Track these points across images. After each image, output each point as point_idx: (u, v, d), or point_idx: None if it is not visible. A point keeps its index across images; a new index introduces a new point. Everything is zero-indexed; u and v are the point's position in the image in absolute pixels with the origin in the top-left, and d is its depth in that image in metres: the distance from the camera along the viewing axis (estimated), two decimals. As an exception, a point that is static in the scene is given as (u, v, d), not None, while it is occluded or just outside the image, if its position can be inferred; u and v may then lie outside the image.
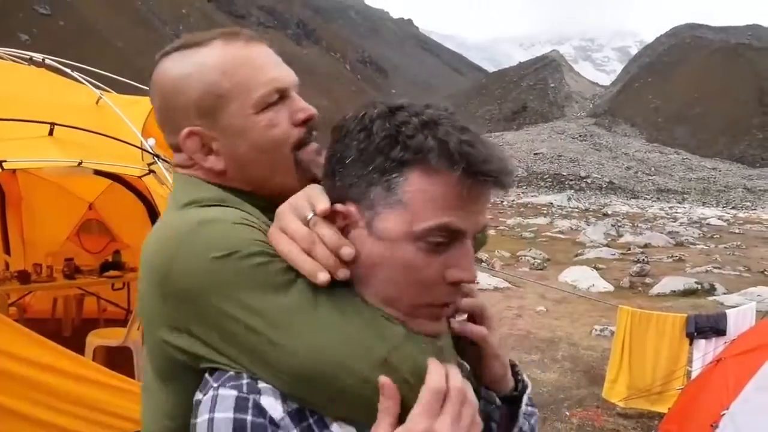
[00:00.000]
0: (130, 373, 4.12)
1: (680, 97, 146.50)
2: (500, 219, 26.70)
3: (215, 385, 0.71)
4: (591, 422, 4.60)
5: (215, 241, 0.73)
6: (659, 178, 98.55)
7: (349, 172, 0.72)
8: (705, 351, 4.56)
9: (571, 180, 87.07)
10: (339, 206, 0.73)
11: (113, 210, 6.98)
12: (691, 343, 4.74)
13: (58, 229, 6.92)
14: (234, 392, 0.69)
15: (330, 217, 0.74)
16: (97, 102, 4.71)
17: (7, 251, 6.64)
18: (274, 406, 0.69)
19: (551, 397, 5.12)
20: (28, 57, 5.08)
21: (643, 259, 13.85)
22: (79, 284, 5.99)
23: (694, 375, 4.39)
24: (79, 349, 4.26)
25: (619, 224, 26.98)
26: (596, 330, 7.31)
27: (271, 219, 0.80)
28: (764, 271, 13.43)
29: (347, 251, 0.72)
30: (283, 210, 0.78)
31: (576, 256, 15.34)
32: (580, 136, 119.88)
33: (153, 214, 4.74)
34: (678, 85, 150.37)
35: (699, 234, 25.07)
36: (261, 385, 0.70)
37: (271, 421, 0.68)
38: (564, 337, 7.11)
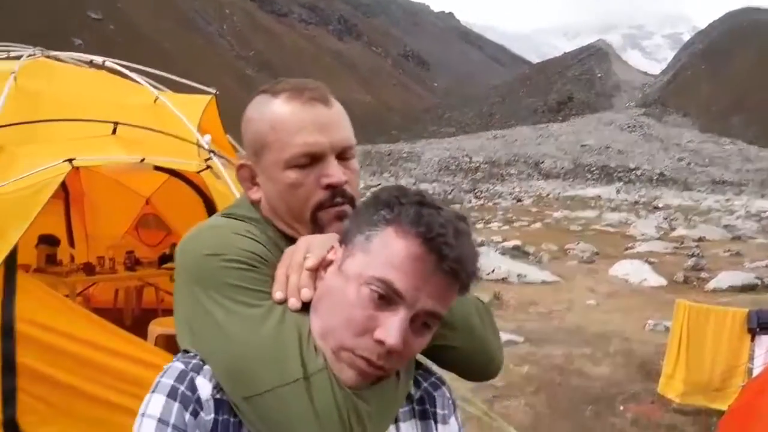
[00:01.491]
0: (190, 360, 4.28)
1: (736, 85, 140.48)
2: (546, 212, 26.30)
3: (175, 358, 0.85)
4: (646, 417, 4.52)
5: (211, 242, 0.89)
6: (714, 169, 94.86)
7: (354, 222, 0.85)
8: (768, 347, 4.41)
9: (620, 172, 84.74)
10: (331, 251, 0.87)
11: (169, 205, 7.23)
12: (752, 339, 4.58)
13: (118, 224, 7.23)
14: (181, 366, 0.83)
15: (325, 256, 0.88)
16: (154, 101, 4.89)
17: (72, 245, 6.99)
18: (204, 387, 0.81)
19: (604, 392, 5.06)
20: (89, 60, 5.30)
21: (698, 253, 13.41)
22: (140, 275, 6.27)
23: (756, 372, 4.25)
24: (141, 337, 4.45)
25: (671, 217, 26.19)
26: (650, 324, 7.14)
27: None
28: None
29: (305, 293, 0.85)
30: (300, 241, 0.92)
31: (626, 249, 14.98)
32: (629, 126, 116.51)
33: (210, 208, 4.89)
34: (733, 72, 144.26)
35: (758, 227, 24.06)
36: (205, 367, 0.83)
37: (198, 399, 0.80)
38: (616, 331, 6.98)
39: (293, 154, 0.94)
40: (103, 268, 6.04)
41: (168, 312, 6.32)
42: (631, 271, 10.88)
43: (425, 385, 0.97)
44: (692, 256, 13.02)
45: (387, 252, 0.78)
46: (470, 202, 32.76)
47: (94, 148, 3.99)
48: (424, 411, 0.95)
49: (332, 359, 0.80)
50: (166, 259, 6.46)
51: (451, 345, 0.95)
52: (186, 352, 0.87)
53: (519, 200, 34.36)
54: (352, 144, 1.00)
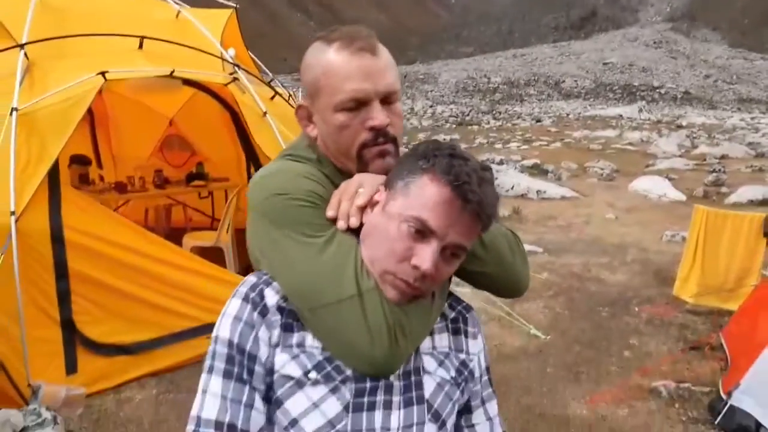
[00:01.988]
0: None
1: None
2: (566, 132, 25.92)
3: (251, 274, 1.04)
4: (660, 317, 4.71)
5: (278, 183, 1.05)
6: (741, 86, 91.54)
7: (396, 170, 1.01)
8: (783, 250, 4.52)
9: (643, 91, 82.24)
10: (377, 193, 1.03)
11: (192, 125, 7.31)
12: (768, 244, 4.69)
13: (143, 145, 7.35)
14: (254, 279, 1.02)
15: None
16: (176, 16, 4.89)
17: (100, 166, 7.17)
18: (271, 296, 1.00)
19: (620, 296, 5.24)
20: (108, -25, 5.26)
21: (720, 169, 13.29)
22: (169, 193, 6.45)
23: (769, 273, 4.38)
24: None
25: (694, 136, 25.68)
26: (667, 236, 7.23)
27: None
28: None
29: (352, 220, 1.01)
30: (354, 177, 1.08)
31: (647, 167, 14.87)
32: (654, 42, 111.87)
33: (237, 122, 4.98)
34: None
35: (783, 144, 23.52)
36: (274, 283, 1.01)
37: (265, 305, 0.99)
38: (634, 242, 7.10)
39: (342, 99, 1.06)
40: (134, 187, 6.21)
41: (196, 228, 6.55)
42: (651, 186, 10.86)
43: (459, 308, 1.14)
44: (713, 171, 12.92)
45: (422, 195, 0.93)
46: (488, 123, 32.27)
47: (123, 61, 4.06)
48: (457, 328, 1.12)
49: (379, 281, 0.97)
50: (193, 177, 6.63)
51: (483, 270, 1.11)
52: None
53: (538, 121, 33.74)
54: (396, 90, 1.10)
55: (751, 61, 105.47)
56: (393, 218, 0.95)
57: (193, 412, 0.96)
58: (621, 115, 40.73)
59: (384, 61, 1.09)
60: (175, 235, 5.59)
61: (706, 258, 4.82)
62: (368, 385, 0.98)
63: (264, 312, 0.98)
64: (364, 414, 0.97)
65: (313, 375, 0.96)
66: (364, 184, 1.05)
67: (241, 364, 0.96)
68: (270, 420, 0.99)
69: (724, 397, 3.31)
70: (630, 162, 15.78)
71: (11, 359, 3.29)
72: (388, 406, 0.99)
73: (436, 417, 1.03)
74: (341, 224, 1.00)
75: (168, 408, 3.44)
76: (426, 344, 1.05)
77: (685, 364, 3.91)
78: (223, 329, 0.98)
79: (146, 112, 7.02)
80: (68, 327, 3.55)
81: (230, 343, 0.97)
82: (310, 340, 0.98)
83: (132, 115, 6.98)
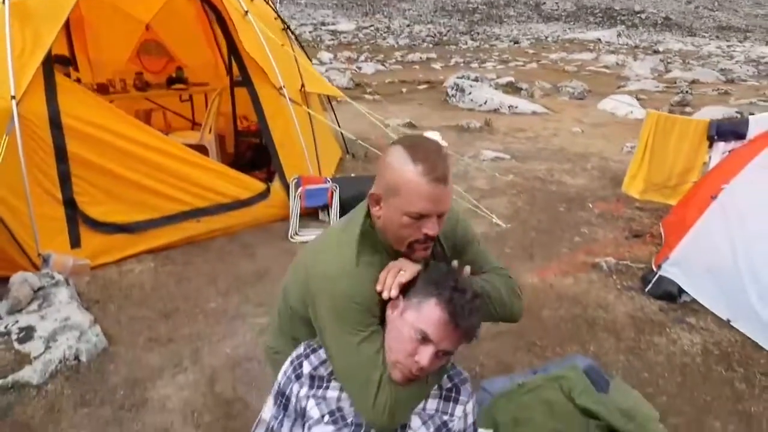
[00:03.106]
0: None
1: None
2: (543, 54, 25.85)
3: (301, 344, 1.60)
4: (611, 212, 5.19)
5: (345, 290, 1.49)
6: (722, 14, 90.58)
7: (415, 288, 1.47)
8: (723, 152, 4.97)
9: (624, 15, 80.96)
10: (398, 299, 1.49)
11: (169, 31, 7.35)
12: (710, 146, 5.14)
13: (120, 50, 7.36)
14: (301, 350, 1.57)
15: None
16: None
17: (76, 69, 7.19)
18: (306, 367, 1.54)
19: (578, 195, 5.70)
20: None
21: (687, 91, 13.67)
22: (151, 95, 6.58)
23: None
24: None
25: (668, 60, 25.86)
26: (627, 147, 7.65)
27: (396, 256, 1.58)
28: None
29: (393, 292, 1.47)
30: (398, 261, 1.54)
31: (618, 88, 15.18)
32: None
33: (218, 25, 5.09)
34: None
35: (753, 72, 23.84)
36: (312, 356, 1.56)
37: (301, 372, 1.53)
38: (596, 152, 7.53)
39: (412, 210, 1.46)
40: (115, 89, 6.33)
41: (176, 130, 6.69)
42: (619, 105, 11.21)
43: (456, 380, 1.59)
44: (680, 93, 13.31)
45: (428, 315, 1.38)
46: (466, 44, 31.86)
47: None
48: (449, 396, 1.56)
49: (390, 365, 1.44)
50: (173, 81, 6.76)
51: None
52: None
53: (516, 42, 33.41)
54: (449, 209, 1.52)
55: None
56: (406, 325, 1.40)
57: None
58: (599, 39, 40.43)
59: (449, 188, 1.49)
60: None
61: (654, 157, 5.27)
62: (363, 430, 1.49)
63: (299, 376, 1.54)
64: None
65: (326, 418, 1.49)
66: (404, 268, 1.51)
67: (280, 396, 1.56)
68: None
69: (654, 269, 3.83)
70: (603, 83, 16.03)
71: (21, 234, 3.61)
72: None
73: None
74: (385, 294, 1.47)
75: (166, 276, 3.84)
76: (418, 407, 1.53)
77: (627, 247, 4.42)
78: (280, 375, 1.58)
79: (122, 17, 7.02)
80: (70, 206, 3.86)
81: (278, 386, 1.57)
82: (330, 395, 1.52)
83: (108, 20, 6.97)
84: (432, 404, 1.54)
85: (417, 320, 1.39)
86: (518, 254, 4.28)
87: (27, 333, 3.04)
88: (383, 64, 19.41)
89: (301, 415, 1.53)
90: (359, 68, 17.60)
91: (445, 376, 1.56)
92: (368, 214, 1.59)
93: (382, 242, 1.58)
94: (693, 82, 18.02)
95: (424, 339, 1.38)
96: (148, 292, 3.65)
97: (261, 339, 3.15)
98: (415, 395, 1.49)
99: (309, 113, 5.19)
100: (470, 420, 1.58)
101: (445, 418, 1.53)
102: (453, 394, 1.56)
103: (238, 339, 3.16)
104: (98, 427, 2.52)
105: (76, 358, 2.92)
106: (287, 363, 1.57)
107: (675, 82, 17.30)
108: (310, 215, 4.68)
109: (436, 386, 1.54)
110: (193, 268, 3.98)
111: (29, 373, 2.78)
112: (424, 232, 1.49)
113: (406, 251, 1.55)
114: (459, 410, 1.55)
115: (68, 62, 6.32)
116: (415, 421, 1.51)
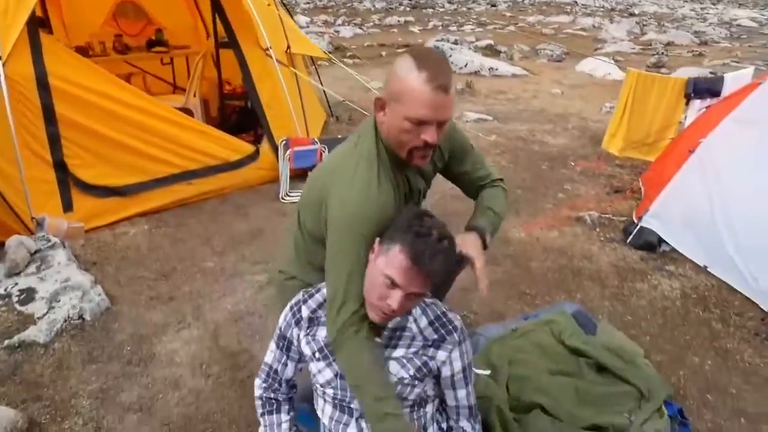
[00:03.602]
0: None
1: None
2: (520, 17, 25.73)
3: (300, 292, 1.70)
4: (592, 170, 5.33)
5: (357, 210, 1.54)
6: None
7: (386, 233, 1.51)
8: (699, 109, 5.12)
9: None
10: (376, 244, 1.56)
11: (147, -8, 7.19)
12: (687, 104, 5.28)
13: (95, 13, 7.16)
14: (299, 297, 1.67)
15: None
16: None
17: (51, 32, 7.00)
18: (305, 311, 1.64)
19: (559, 153, 5.83)
20: None
21: (662, 53, 13.81)
22: (131, 58, 6.45)
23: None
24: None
25: (644, 23, 25.95)
26: (606, 107, 7.78)
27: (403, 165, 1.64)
28: (781, 63, 13.39)
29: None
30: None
31: (596, 50, 15.27)
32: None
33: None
34: None
35: (726, 34, 24.06)
36: (309, 300, 1.65)
37: (300, 316, 1.64)
38: (575, 113, 7.64)
39: (413, 115, 1.49)
40: (94, 52, 6.21)
41: (156, 94, 6.61)
42: (597, 66, 11.30)
43: (442, 331, 1.60)
44: (656, 54, 13.45)
45: (393, 260, 1.42)
46: (443, 6, 31.55)
47: None
48: (431, 344, 1.59)
49: (367, 306, 1.51)
50: (153, 44, 6.64)
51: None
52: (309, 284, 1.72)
53: (494, 5, 33.19)
54: (450, 118, 1.55)
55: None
56: (377, 270, 1.45)
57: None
58: (576, 2, 40.26)
59: (450, 98, 1.52)
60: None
61: (633, 115, 5.41)
62: None
63: (299, 321, 1.64)
64: (347, 385, 1.58)
65: (317, 355, 1.61)
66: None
67: (281, 340, 1.67)
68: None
69: (635, 221, 3.99)
70: (580, 46, 16.08)
71: (13, 198, 3.61)
72: None
73: (399, 399, 1.57)
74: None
75: (161, 238, 3.89)
76: (397, 353, 1.58)
77: (609, 202, 4.57)
78: (281, 320, 1.67)
79: (96, -23, 6.84)
80: (61, 168, 3.85)
81: (280, 329, 1.67)
82: (320, 334, 1.61)
83: (82, -19, 6.79)
84: (412, 350, 1.59)
85: (385, 266, 1.43)
86: (505, 210, 4.40)
87: (28, 295, 3.09)
88: (361, 28, 19.16)
89: (300, 352, 1.67)
90: (337, 32, 17.36)
91: (431, 327, 1.59)
92: (375, 127, 1.63)
93: (391, 153, 1.62)
94: (668, 44, 18.17)
95: (393, 284, 1.42)
96: (144, 253, 3.69)
97: (260, 295, 3.24)
98: (358, 362, 1.55)
99: (296, 74, 5.18)
100: (458, 366, 1.61)
101: (425, 359, 1.58)
102: (437, 342, 1.59)
103: (237, 296, 3.24)
104: (108, 381, 2.59)
105: (80, 317, 2.98)
106: (287, 309, 1.66)
107: (651, 44, 17.42)
108: (299, 176, 4.74)
109: (420, 337, 1.59)
110: (186, 229, 4.02)
111: (35, 332, 2.83)
112: (423, 138, 1.52)
113: (407, 158, 1.59)
114: (442, 355, 1.59)
115: (43, 24, 6.17)
116: (394, 367, 1.57)
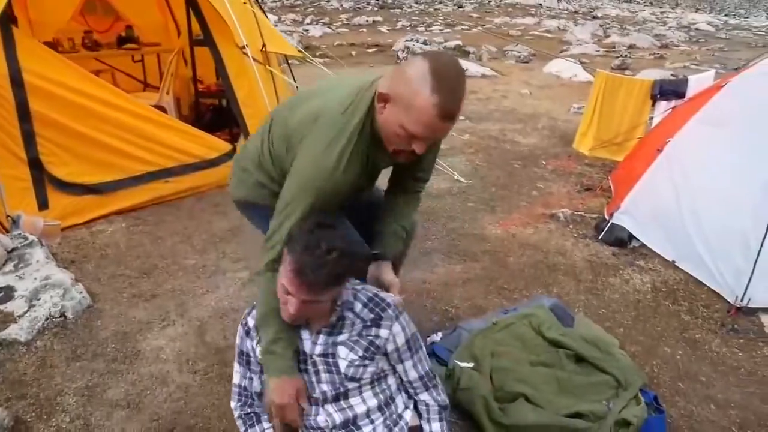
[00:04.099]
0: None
1: None
2: (487, 18, 26.09)
3: (247, 310, 1.88)
4: (563, 168, 5.49)
5: (318, 182, 1.64)
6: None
7: (288, 243, 1.62)
8: (665, 109, 5.32)
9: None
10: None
11: (116, -12, 7.07)
12: (653, 105, 5.48)
13: (62, 9, 7.01)
14: (246, 310, 1.87)
15: None
16: None
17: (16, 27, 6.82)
18: (251, 321, 1.80)
19: (531, 153, 5.98)
20: None
21: (626, 55, 14.22)
22: (101, 55, 6.34)
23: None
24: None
25: (607, 26, 26.60)
26: (574, 108, 8.00)
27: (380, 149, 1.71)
28: (737, 68, 13.93)
29: None
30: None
31: (561, 52, 15.60)
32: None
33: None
34: None
35: (685, 37, 24.87)
36: (253, 311, 1.81)
37: (249, 328, 1.82)
38: (545, 113, 7.83)
39: (410, 129, 1.53)
40: (63, 48, 6.07)
41: (126, 92, 6.50)
42: (563, 68, 11.57)
43: (377, 310, 1.69)
44: (620, 56, 13.84)
45: (283, 270, 1.54)
46: (410, 7, 31.75)
47: None
48: (372, 324, 1.68)
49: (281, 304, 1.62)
50: (123, 40, 6.54)
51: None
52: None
53: (460, 6, 33.55)
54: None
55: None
56: (281, 278, 1.57)
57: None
58: (540, 4, 41.00)
59: (454, 124, 1.56)
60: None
61: (602, 116, 5.59)
62: (300, 359, 1.70)
63: (248, 331, 1.79)
64: (306, 376, 1.71)
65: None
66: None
67: (241, 356, 1.82)
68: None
69: (606, 218, 4.14)
70: (546, 47, 16.41)
71: (-14, 195, 3.54)
72: (317, 374, 1.71)
73: (353, 380, 1.68)
74: None
75: (140, 236, 3.86)
76: (342, 337, 1.68)
77: (580, 199, 4.71)
78: (237, 339, 1.84)
79: (63, -28, 6.69)
80: (36, 166, 3.79)
81: (237, 347, 1.83)
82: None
83: (48, -23, 6.63)
84: (354, 333, 1.68)
85: (281, 275, 1.56)
86: (481, 208, 4.51)
87: (6, 293, 3.04)
88: (330, 27, 19.15)
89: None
90: (306, 31, 17.32)
91: (366, 308, 1.69)
92: (372, 105, 1.66)
93: (375, 133, 1.67)
94: (630, 46, 18.67)
95: (287, 292, 1.55)
96: (123, 251, 3.66)
97: (244, 292, 3.25)
98: (268, 300, 1.68)
99: (272, 72, 5.18)
100: (401, 339, 1.71)
101: (370, 338, 1.67)
102: (376, 321, 1.68)
103: (221, 292, 3.25)
104: (93, 379, 2.58)
105: (62, 315, 2.95)
106: (239, 327, 1.83)
107: (614, 47, 17.90)
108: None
109: (358, 320, 1.69)
110: (165, 227, 4.00)
111: (16, 331, 2.80)
112: (412, 148, 1.59)
113: (392, 154, 1.68)
114: (384, 332, 1.67)
115: (14, 20, 6.01)
116: (342, 351, 1.67)
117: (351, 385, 1.69)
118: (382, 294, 1.74)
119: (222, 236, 3.90)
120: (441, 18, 25.13)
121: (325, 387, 1.70)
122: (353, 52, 13.41)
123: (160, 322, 2.98)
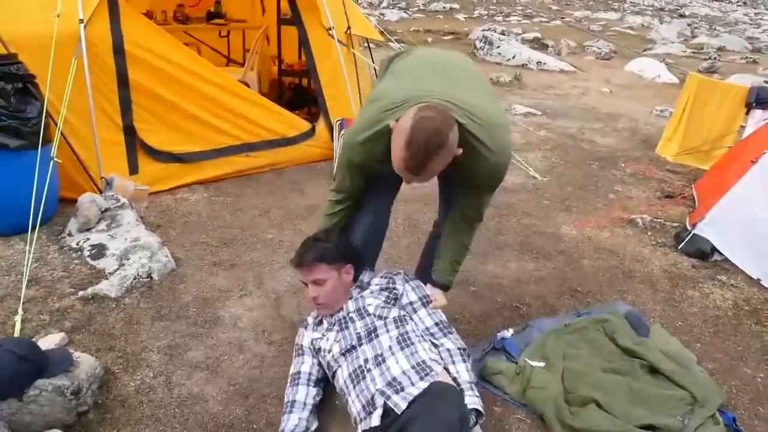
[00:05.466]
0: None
1: None
2: (567, 11, 25.31)
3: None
4: (643, 173, 5.30)
5: (344, 150, 2.20)
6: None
7: None
8: (760, 119, 5.04)
9: (650, -25, 78.41)
10: None
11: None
12: (747, 112, 5.20)
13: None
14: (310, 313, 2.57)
15: None
16: None
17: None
18: (310, 318, 2.49)
19: (609, 154, 5.80)
20: None
21: (715, 57, 13.52)
22: (190, 29, 6.56)
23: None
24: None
25: (695, 25, 25.32)
26: (657, 110, 7.70)
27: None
28: (840, 76, 12.99)
29: None
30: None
31: (645, 50, 14.99)
32: None
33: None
34: None
35: (780, 41, 23.40)
36: (314, 312, 2.47)
37: (307, 323, 2.50)
38: (625, 113, 7.57)
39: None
40: (156, 20, 6.31)
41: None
42: (647, 67, 11.14)
43: (389, 277, 2.37)
44: (708, 59, 13.17)
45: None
46: (489, -4, 31.20)
47: None
48: (386, 287, 2.32)
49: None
50: (212, 15, 6.74)
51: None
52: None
53: (540, -3, 32.71)
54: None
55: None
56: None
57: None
58: (624, -1, 39.36)
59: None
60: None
61: (691, 121, 5.35)
62: (341, 321, 2.25)
63: (306, 326, 2.40)
64: (347, 331, 2.20)
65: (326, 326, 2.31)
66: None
67: (299, 351, 2.34)
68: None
69: (689, 228, 3.98)
70: (629, 44, 15.80)
71: (85, 157, 3.76)
72: (353, 322, 2.21)
73: (380, 318, 2.18)
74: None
75: (221, 206, 4.01)
76: (366, 293, 2.29)
77: (660, 206, 4.55)
78: (297, 337, 2.42)
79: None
80: (130, 132, 3.99)
81: (295, 347, 2.38)
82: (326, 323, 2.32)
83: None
84: (377, 289, 2.30)
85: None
86: (556, 206, 4.43)
87: (99, 250, 3.23)
88: (406, 12, 19.09)
89: (316, 350, 2.29)
90: (383, 15, 17.33)
91: (383, 279, 2.34)
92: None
93: (385, 142, 1.96)
94: (720, 48, 17.72)
95: (304, 283, 2.32)
96: (205, 219, 3.81)
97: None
98: (325, 217, 2.45)
99: (354, 55, 5.23)
100: (413, 296, 2.30)
101: (389, 287, 2.30)
102: (391, 281, 2.33)
103: (295, 268, 3.33)
104: (175, 339, 2.71)
105: (149, 276, 3.11)
106: (301, 327, 2.47)
107: (702, 48, 17.04)
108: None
109: (376, 285, 2.32)
110: (245, 200, 4.13)
111: (107, 287, 2.97)
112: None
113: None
114: (399, 286, 2.31)
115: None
116: (369, 299, 2.25)
117: (378, 323, 2.16)
118: (391, 271, 2.42)
119: (298, 213, 4.00)
120: (519, 8, 24.57)
121: (359, 328, 2.17)
122: (429, 39, 13.33)
123: (238, 291, 3.10)
